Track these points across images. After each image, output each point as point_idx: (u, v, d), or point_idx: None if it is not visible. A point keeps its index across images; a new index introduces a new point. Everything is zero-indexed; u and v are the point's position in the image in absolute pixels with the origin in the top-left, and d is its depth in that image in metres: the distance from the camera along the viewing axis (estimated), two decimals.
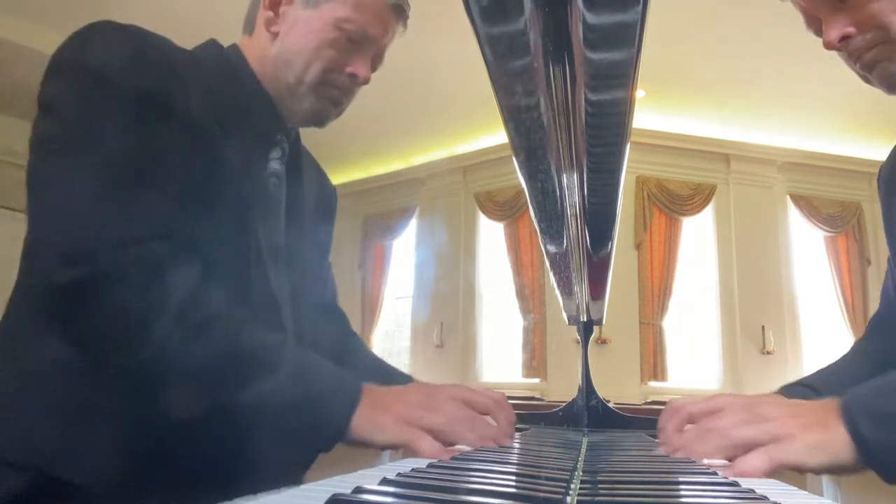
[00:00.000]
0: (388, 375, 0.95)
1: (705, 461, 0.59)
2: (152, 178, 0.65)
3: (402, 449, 0.67)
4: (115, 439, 0.64)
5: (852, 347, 0.98)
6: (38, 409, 0.65)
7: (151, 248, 0.62)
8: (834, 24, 0.73)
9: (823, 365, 0.94)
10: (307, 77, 0.80)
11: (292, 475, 0.92)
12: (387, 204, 6.71)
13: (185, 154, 0.68)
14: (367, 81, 0.84)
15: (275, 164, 0.83)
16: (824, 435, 0.56)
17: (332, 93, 0.83)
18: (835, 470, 0.57)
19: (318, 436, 0.65)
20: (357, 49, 0.82)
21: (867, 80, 0.76)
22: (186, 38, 0.81)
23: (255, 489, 0.36)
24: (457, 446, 0.67)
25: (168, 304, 0.61)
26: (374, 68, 0.86)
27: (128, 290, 0.60)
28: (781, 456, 0.55)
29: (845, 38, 0.73)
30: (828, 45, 0.74)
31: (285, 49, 0.81)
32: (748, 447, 0.58)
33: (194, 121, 0.70)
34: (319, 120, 0.85)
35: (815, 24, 0.77)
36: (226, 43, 0.85)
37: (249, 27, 0.86)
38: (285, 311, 0.80)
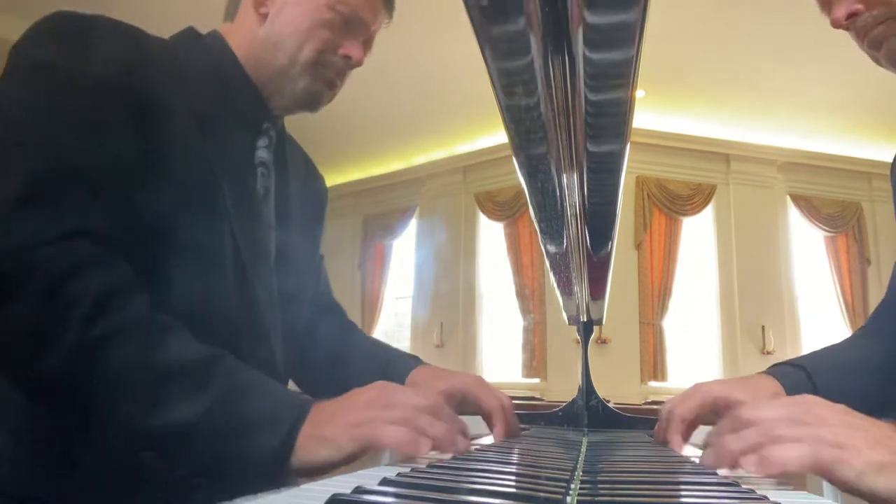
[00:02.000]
0: (388, 364, 0.90)
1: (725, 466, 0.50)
2: (89, 178, 0.60)
3: (370, 454, 0.58)
4: (96, 460, 0.61)
5: (853, 334, 0.96)
6: (15, 429, 0.62)
7: (68, 248, 0.56)
8: (842, 2, 0.73)
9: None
10: (301, 57, 0.79)
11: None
12: (387, 204, 6.71)
13: (151, 151, 0.64)
14: (360, 63, 0.83)
15: (262, 153, 0.81)
16: (892, 459, 0.46)
17: (327, 73, 0.81)
18: (889, 500, 0.45)
19: (252, 468, 0.56)
20: (349, 32, 0.81)
21: (877, 62, 0.75)
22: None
23: None
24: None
25: (76, 309, 0.54)
26: (366, 51, 0.85)
27: (33, 293, 0.54)
28: (832, 460, 0.45)
29: (852, 16, 0.73)
30: (835, 23, 0.74)
31: (276, 30, 0.79)
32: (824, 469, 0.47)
33: (164, 114, 0.66)
34: (313, 102, 0.83)
35: (828, 7, 0.77)
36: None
37: (231, 13, 0.85)
38: (268, 310, 0.77)
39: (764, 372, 0.84)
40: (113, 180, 0.62)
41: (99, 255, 0.58)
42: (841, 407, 0.51)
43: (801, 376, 0.81)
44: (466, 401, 0.81)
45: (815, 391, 0.78)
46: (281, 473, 0.56)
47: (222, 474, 0.56)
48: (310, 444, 0.56)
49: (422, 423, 0.57)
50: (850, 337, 0.95)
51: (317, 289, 0.96)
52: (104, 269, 0.58)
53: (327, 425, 0.57)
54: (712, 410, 0.73)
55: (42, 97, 0.61)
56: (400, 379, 0.86)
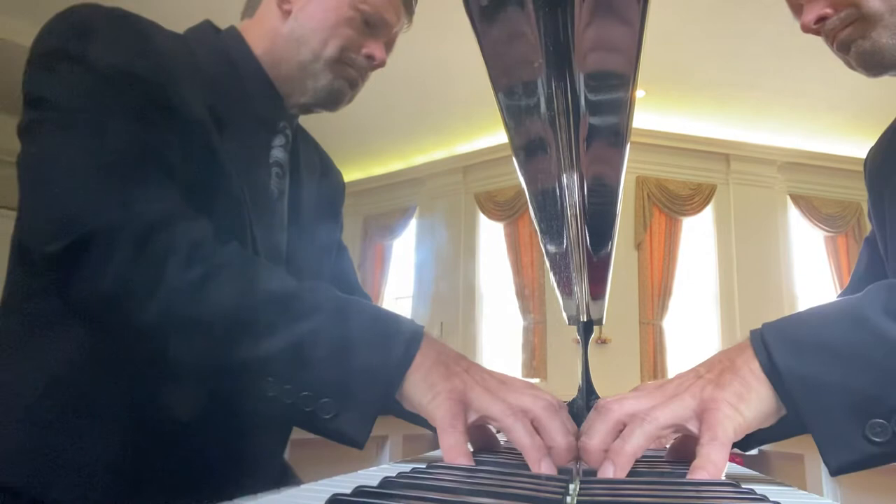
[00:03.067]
0: None
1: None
2: (143, 157, 0.62)
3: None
4: (102, 457, 0.62)
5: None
6: (20, 428, 0.62)
7: (153, 205, 0.59)
8: (812, 7, 0.74)
9: None
10: (325, 53, 0.79)
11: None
12: (387, 204, 6.71)
13: (172, 146, 0.65)
14: (382, 64, 0.84)
15: (278, 153, 0.81)
16: (740, 382, 0.49)
17: (350, 72, 0.82)
18: (769, 416, 0.49)
19: (371, 382, 0.55)
20: (372, 32, 0.82)
21: (849, 65, 0.76)
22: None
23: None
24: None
25: (173, 254, 0.56)
26: (387, 51, 0.86)
27: (127, 246, 0.56)
28: (720, 433, 0.47)
29: (822, 20, 0.73)
30: (804, 28, 0.75)
31: (300, 26, 0.79)
32: (677, 428, 0.50)
33: (183, 110, 0.67)
34: (335, 99, 0.83)
35: (799, 12, 0.77)
36: (223, 26, 0.83)
37: (251, 10, 0.85)
38: None
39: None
40: (169, 166, 0.63)
41: (184, 209, 0.61)
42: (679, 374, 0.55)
43: None
44: None
45: None
46: (394, 390, 0.56)
47: (345, 391, 0.55)
48: (418, 380, 0.56)
49: (516, 430, 0.54)
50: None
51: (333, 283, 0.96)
52: (191, 220, 0.60)
53: (439, 378, 0.56)
54: None
55: (88, 89, 0.62)
56: None
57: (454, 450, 0.53)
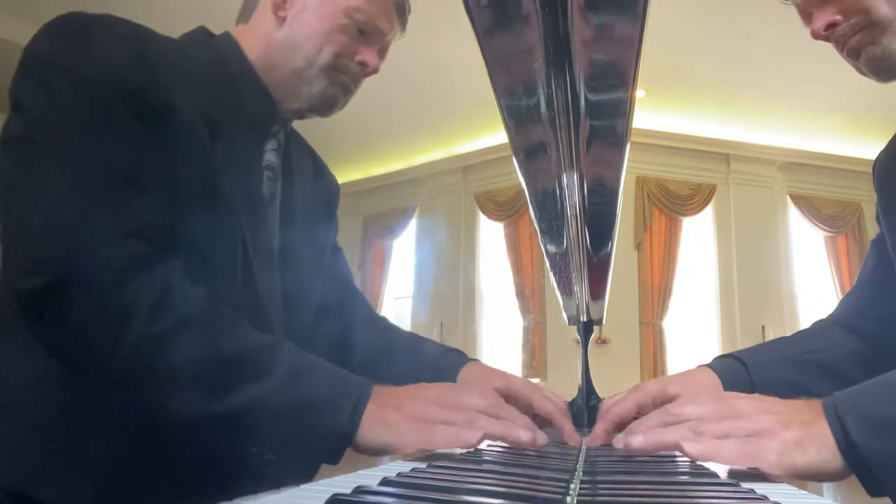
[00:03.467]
0: (440, 357, 0.91)
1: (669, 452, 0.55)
2: (127, 178, 0.61)
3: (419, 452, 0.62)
4: (95, 458, 0.62)
5: (809, 326, 0.96)
6: (15, 429, 0.62)
7: (123, 248, 0.59)
8: (821, 13, 0.74)
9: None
10: (319, 60, 0.80)
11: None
12: (387, 204, 6.71)
13: (164, 151, 0.65)
14: (376, 71, 0.85)
15: (270, 157, 0.82)
16: (806, 433, 0.51)
17: (343, 78, 0.83)
18: (813, 474, 0.51)
19: (320, 444, 0.59)
20: (365, 39, 0.83)
21: (860, 71, 0.76)
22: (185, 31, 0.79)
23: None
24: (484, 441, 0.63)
25: (140, 305, 0.57)
26: (381, 58, 0.87)
27: (96, 293, 0.57)
28: (755, 450, 0.50)
29: (832, 26, 0.73)
30: (814, 34, 0.75)
31: (294, 33, 0.80)
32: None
33: (175, 115, 0.66)
34: (328, 106, 0.84)
35: (809, 18, 0.78)
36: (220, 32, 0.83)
37: (246, 15, 0.85)
38: (274, 314, 0.78)
39: (705, 364, 0.87)
40: (148, 181, 0.63)
41: (153, 251, 0.61)
42: (756, 396, 0.57)
43: (739, 368, 0.83)
44: (518, 402, 0.82)
45: (751, 383, 0.81)
46: (343, 450, 0.59)
47: (292, 451, 0.58)
48: (373, 426, 0.59)
49: (483, 425, 0.59)
50: (806, 329, 0.96)
51: (325, 287, 0.96)
52: (161, 264, 0.61)
53: (393, 413, 0.60)
54: (653, 406, 0.75)
55: (63, 101, 0.61)
56: (452, 375, 0.88)
57: (453, 431, 0.58)
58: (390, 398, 0.62)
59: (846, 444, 0.50)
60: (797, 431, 0.51)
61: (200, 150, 0.68)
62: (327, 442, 0.59)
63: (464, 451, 0.60)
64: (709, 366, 0.86)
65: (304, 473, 0.59)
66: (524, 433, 0.59)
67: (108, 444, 0.63)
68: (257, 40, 0.82)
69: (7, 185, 0.61)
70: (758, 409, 0.54)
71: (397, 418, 0.59)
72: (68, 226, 0.58)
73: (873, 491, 0.50)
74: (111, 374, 0.58)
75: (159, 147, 0.64)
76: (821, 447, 0.50)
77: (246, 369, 0.59)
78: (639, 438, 0.54)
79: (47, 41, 0.64)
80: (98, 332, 0.57)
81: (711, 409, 0.55)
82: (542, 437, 0.62)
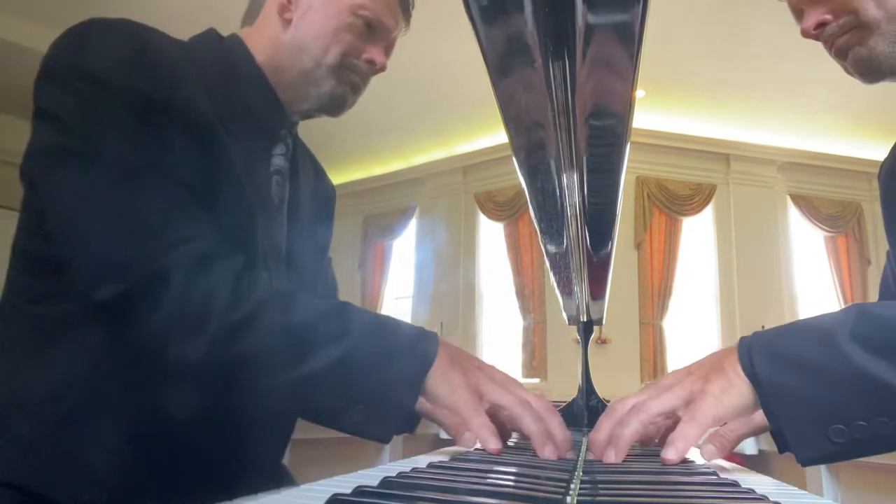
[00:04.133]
0: None
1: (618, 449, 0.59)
2: (171, 182, 0.64)
3: (451, 427, 0.69)
4: (106, 457, 0.63)
5: None
6: (28, 427, 0.63)
7: (188, 249, 0.62)
8: (812, 12, 0.75)
9: None
10: (326, 60, 0.80)
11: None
12: (387, 204, 6.71)
13: (191, 156, 0.66)
14: (383, 68, 0.85)
15: (279, 161, 0.82)
16: (724, 379, 0.57)
17: (352, 77, 0.83)
18: (747, 409, 0.57)
19: (397, 389, 0.63)
20: (372, 37, 0.83)
21: (847, 71, 0.77)
22: (186, 33, 0.79)
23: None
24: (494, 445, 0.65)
25: (218, 297, 0.61)
26: (387, 55, 0.87)
27: (175, 293, 0.60)
28: (699, 416, 0.56)
29: (821, 26, 0.74)
30: (804, 33, 0.76)
31: (301, 34, 0.80)
32: (667, 415, 0.60)
33: (197, 120, 0.68)
34: (337, 105, 0.84)
35: (801, 17, 0.78)
36: (224, 33, 0.83)
37: (251, 17, 0.85)
38: None
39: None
40: (191, 188, 0.65)
41: (216, 248, 0.64)
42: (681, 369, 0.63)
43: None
44: None
45: None
46: (416, 397, 0.63)
47: (375, 399, 0.62)
48: (438, 379, 0.63)
49: (525, 418, 0.62)
50: None
51: (324, 290, 0.97)
52: (226, 259, 0.64)
53: (458, 373, 0.64)
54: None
55: (109, 111, 0.63)
56: None
57: (484, 428, 0.61)
58: (458, 358, 0.66)
59: (753, 378, 0.56)
60: (719, 381, 0.57)
61: (223, 155, 0.70)
62: (404, 387, 0.63)
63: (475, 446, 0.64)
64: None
65: (387, 423, 0.63)
66: (549, 450, 0.61)
67: (119, 444, 0.64)
68: (264, 43, 0.81)
69: (61, 196, 0.62)
70: (679, 376, 0.60)
71: (459, 380, 0.63)
72: (133, 233, 0.61)
73: (770, 423, 0.56)
74: (204, 365, 0.62)
75: (190, 152, 0.66)
76: (740, 386, 0.56)
77: (326, 332, 0.63)
78: (610, 453, 0.58)
79: (72, 49, 0.64)
80: (184, 329, 0.61)
81: (645, 394, 0.60)
82: (571, 453, 0.64)
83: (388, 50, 0.87)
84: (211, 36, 0.80)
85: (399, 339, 0.66)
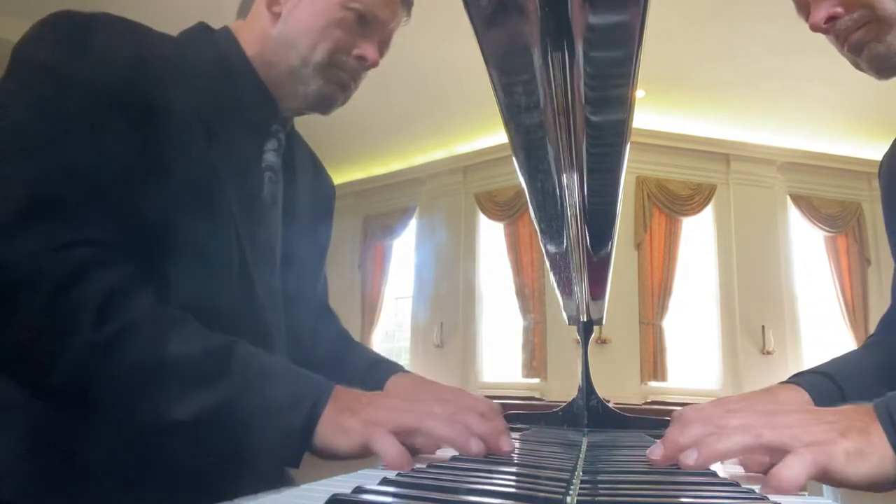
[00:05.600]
0: (371, 367, 0.89)
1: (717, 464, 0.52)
2: (90, 182, 0.58)
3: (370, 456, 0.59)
4: (89, 472, 0.60)
5: (866, 342, 0.93)
6: (9, 443, 0.60)
7: (69, 255, 0.55)
8: (821, 5, 0.71)
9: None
10: (314, 58, 0.77)
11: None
12: (387, 204, 6.71)
13: (150, 154, 0.62)
14: (375, 64, 0.81)
15: (270, 157, 0.79)
16: (866, 440, 0.47)
17: (341, 76, 0.79)
18: (877, 484, 0.47)
19: (277, 449, 0.57)
20: (364, 31, 0.79)
21: (857, 66, 0.73)
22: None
23: None
24: (433, 453, 0.61)
25: (82, 313, 0.54)
26: (380, 54, 0.83)
27: (37, 303, 0.53)
28: (823, 460, 0.46)
29: (832, 19, 0.71)
30: (814, 27, 0.72)
31: (289, 29, 0.77)
32: (775, 451, 0.49)
33: (165, 116, 0.64)
34: (326, 105, 0.81)
35: (805, 10, 0.75)
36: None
37: (245, 10, 0.83)
38: (273, 314, 0.76)
39: (788, 382, 0.82)
40: (117, 184, 0.61)
41: (102, 257, 0.58)
42: (803, 408, 0.54)
43: (827, 383, 0.78)
44: None
45: (842, 398, 0.76)
46: (301, 455, 0.57)
47: (249, 458, 0.56)
48: (329, 429, 0.57)
49: (434, 427, 0.56)
50: (864, 345, 0.92)
51: (320, 290, 0.95)
52: (107, 270, 0.57)
53: (350, 417, 0.57)
54: None
55: (43, 102, 0.59)
56: (379, 384, 0.85)
57: (392, 448, 0.53)
58: (349, 402, 0.59)
59: None
60: (857, 440, 0.47)
61: (193, 151, 0.66)
62: (284, 447, 0.57)
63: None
64: (793, 382, 0.81)
65: (268, 478, 0.55)
66: (475, 444, 0.55)
67: (102, 459, 0.61)
68: (254, 37, 0.79)
69: None
70: (809, 420, 0.50)
71: (352, 423, 0.57)
72: (15, 232, 0.54)
73: None
74: (56, 390, 0.55)
75: (145, 149, 0.62)
76: (882, 454, 0.46)
77: (198, 374, 0.56)
78: (692, 454, 0.49)
79: (32, 41, 0.62)
80: (41, 345, 0.54)
81: (760, 419, 0.50)
82: (506, 444, 0.58)
83: (383, 44, 0.83)
84: (199, 29, 0.78)
85: (283, 391, 0.58)
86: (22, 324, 0.54)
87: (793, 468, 0.45)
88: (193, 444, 0.57)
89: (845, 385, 0.78)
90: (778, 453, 0.48)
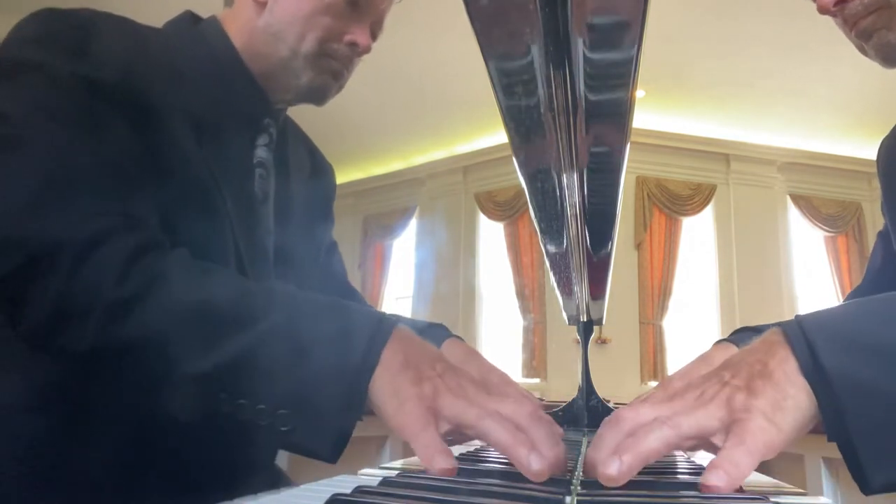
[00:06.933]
0: (433, 337, 0.85)
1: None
2: (95, 172, 0.57)
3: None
4: (82, 477, 0.60)
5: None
6: (8, 445, 0.60)
7: (95, 222, 0.54)
8: None
9: None
10: (303, 48, 0.74)
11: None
12: (387, 204, 6.71)
13: (143, 151, 0.61)
14: (368, 50, 0.77)
15: (262, 152, 0.77)
16: (774, 388, 0.42)
17: (332, 65, 0.76)
18: (806, 425, 0.42)
19: (331, 392, 0.49)
20: (355, 15, 0.75)
21: (863, 52, 0.72)
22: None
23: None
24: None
25: (108, 271, 0.52)
26: (374, 37, 0.79)
27: (64, 268, 0.52)
28: (750, 441, 0.40)
29: (842, 2, 0.69)
30: (822, 9, 0.70)
31: (275, 20, 0.74)
32: (699, 439, 0.43)
33: (154, 114, 0.62)
34: (319, 96, 0.78)
35: None
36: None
37: None
38: None
39: (724, 340, 0.82)
40: (130, 174, 0.60)
41: (128, 223, 0.56)
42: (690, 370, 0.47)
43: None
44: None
45: None
46: (360, 403, 0.49)
47: (301, 405, 0.49)
48: (384, 384, 0.49)
49: (487, 427, 0.47)
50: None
51: (325, 285, 0.93)
52: (133, 232, 0.55)
53: (410, 383, 0.49)
54: None
55: (34, 96, 0.58)
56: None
57: (430, 448, 0.46)
58: (413, 359, 0.51)
59: (816, 375, 0.40)
60: (768, 391, 0.42)
61: (184, 149, 0.65)
62: (340, 390, 0.49)
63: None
64: (727, 340, 0.80)
65: (323, 434, 0.49)
66: (535, 460, 0.43)
67: (97, 464, 0.61)
68: (240, 28, 0.76)
69: None
70: (708, 385, 0.44)
71: (409, 394, 0.48)
72: (35, 210, 0.53)
73: (832, 434, 0.40)
74: (92, 351, 0.53)
75: (138, 146, 0.61)
76: (796, 397, 0.41)
77: (237, 316, 0.51)
78: (614, 462, 0.41)
79: (17, 39, 0.61)
80: (70, 310, 0.52)
81: (668, 406, 0.44)
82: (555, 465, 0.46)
83: (376, 26, 0.79)
84: (184, 19, 0.75)
85: (334, 324, 0.51)
86: (48, 294, 0.52)
87: (735, 463, 0.40)
88: (239, 390, 0.50)
89: None
90: (705, 442, 0.44)
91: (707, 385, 0.45)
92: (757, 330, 0.80)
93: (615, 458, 0.41)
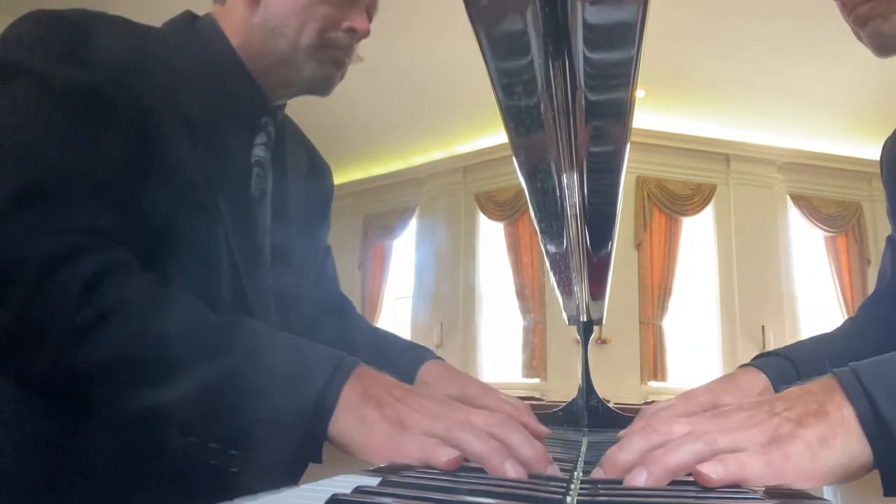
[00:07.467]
0: (398, 356, 0.86)
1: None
2: (80, 177, 0.56)
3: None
4: (79, 487, 0.59)
5: (842, 324, 0.93)
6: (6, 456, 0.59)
7: (58, 239, 0.52)
8: None
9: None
10: (303, 41, 0.73)
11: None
12: (387, 204, 6.71)
13: (132, 152, 0.60)
14: (366, 34, 0.76)
15: (259, 151, 0.76)
16: (828, 425, 0.41)
17: (334, 54, 0.75)
18: (851, 473, 0.41)
19: (284, 434, 0.48)
20: (351, 0, 0.75)
21: (858, 37, 0.72)
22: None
23: None
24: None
25: (67, 294, 0.50)
26: (370, 18, 0.78)
27: (22, 288, 0.50)
28: (779, 461, 0.40)
29: None
30: None
31: (271, 15, 0.73)
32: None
33: (146, 113, 0.62)
34: (324, 87, 0.78)
35: None
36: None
37: None
38: (264, 314, 0.74)
39: (750, 364, 0.83)
40: (107, 183, 0.59)
41: (93, 242, 0.54)
42: (741, 402, 0.48)
43: (787, 367, 0.79)
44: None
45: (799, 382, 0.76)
46: (318, 443, 0.49)
47: (255, 446, 0.48)
48: (348, 416, 0.49)
49: (461, 439, 0.47)
50: (840, 327, 0.93)
51: (320, 287, 0.93)
52: (98, 254, 0.54)
53: (372, 408, 0.49)
54: None
55: (21, 101, 0.57)
56: (408, 374, 0.83)
57: (426, 447, 0.46)
58: (372, 391, 0.51)
59: (875, 423, 0.39)
60: (818, 426, 0.41)
61: (181, 149, 0.64)
62: (294, 430, 0.48)
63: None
64: (753, 366, 0.81)
65: (281, 475, 0.49)
66: (512, 467, 0.45)
67: (97, 463, 0.60)
68: (235, 26, 0.75)
69: None
70: (761, 416, 0.44)
71: (374, 417, 0.49)
72: (5, 222, 0.52)
73: (889, 488, 0.40)
74: (44, 378, 0.52)
75: (127, 151, 0.60)
76: (847, 436, 0.40)
77: (189, 351, 0.51)
78: (642, 474, 0.41)
79: (9, 42, 0.60)
80: (27, 330, 0.51)
81: (709, 423, 0.44)
82: (551, 469, 0.48)
83: (371, 8, 0.78)
84: (182, 19, 0.75)
85: (293, 365, 0.51)
86: (8, 310, 0.51)
87: (741, 463, 0.40)
88: (191, 432, 0.50)
89: (802, 369, 0.77)
90: None
91: (757, 411, 0.44)
92: (779, 355, 0.80)
93: (642, 470, 0.41)
